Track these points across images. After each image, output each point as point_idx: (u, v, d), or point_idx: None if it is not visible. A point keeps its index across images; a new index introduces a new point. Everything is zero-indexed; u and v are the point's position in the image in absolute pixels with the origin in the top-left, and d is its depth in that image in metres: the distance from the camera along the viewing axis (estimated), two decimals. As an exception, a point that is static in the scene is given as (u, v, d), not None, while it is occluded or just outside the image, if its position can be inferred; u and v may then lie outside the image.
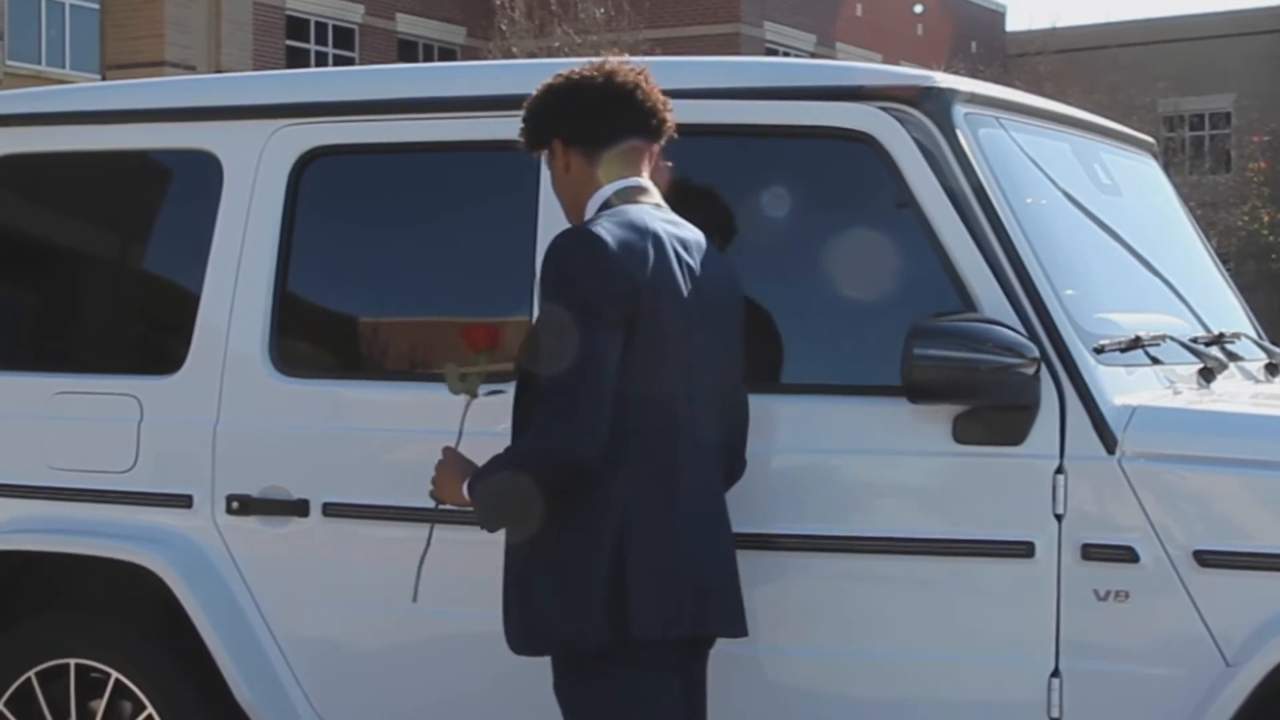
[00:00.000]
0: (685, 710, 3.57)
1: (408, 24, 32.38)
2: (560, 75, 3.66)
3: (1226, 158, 37.76)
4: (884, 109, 3.93)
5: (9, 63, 25.49)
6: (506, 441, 3.54)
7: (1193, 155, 36.73)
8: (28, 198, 4.85)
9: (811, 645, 3.91)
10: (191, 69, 26.61)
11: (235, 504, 4.34)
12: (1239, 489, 3.68)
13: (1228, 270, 5.18)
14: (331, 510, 4.27)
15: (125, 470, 4.47)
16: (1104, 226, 4.41)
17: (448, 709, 4.23)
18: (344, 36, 31.50)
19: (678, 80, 3.83)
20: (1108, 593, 3.70)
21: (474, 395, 3.72)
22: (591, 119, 3.58)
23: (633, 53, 3.73)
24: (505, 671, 3.73)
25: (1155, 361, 3.98)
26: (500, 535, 3.55)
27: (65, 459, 4.54)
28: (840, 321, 4.01)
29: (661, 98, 3.62)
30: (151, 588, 4.35)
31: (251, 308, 4.39)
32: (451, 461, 3.62)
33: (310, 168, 4.41)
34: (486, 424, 3.83)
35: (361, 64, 29.87)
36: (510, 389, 3.59)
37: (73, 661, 4.51)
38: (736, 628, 3.62)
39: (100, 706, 4.49)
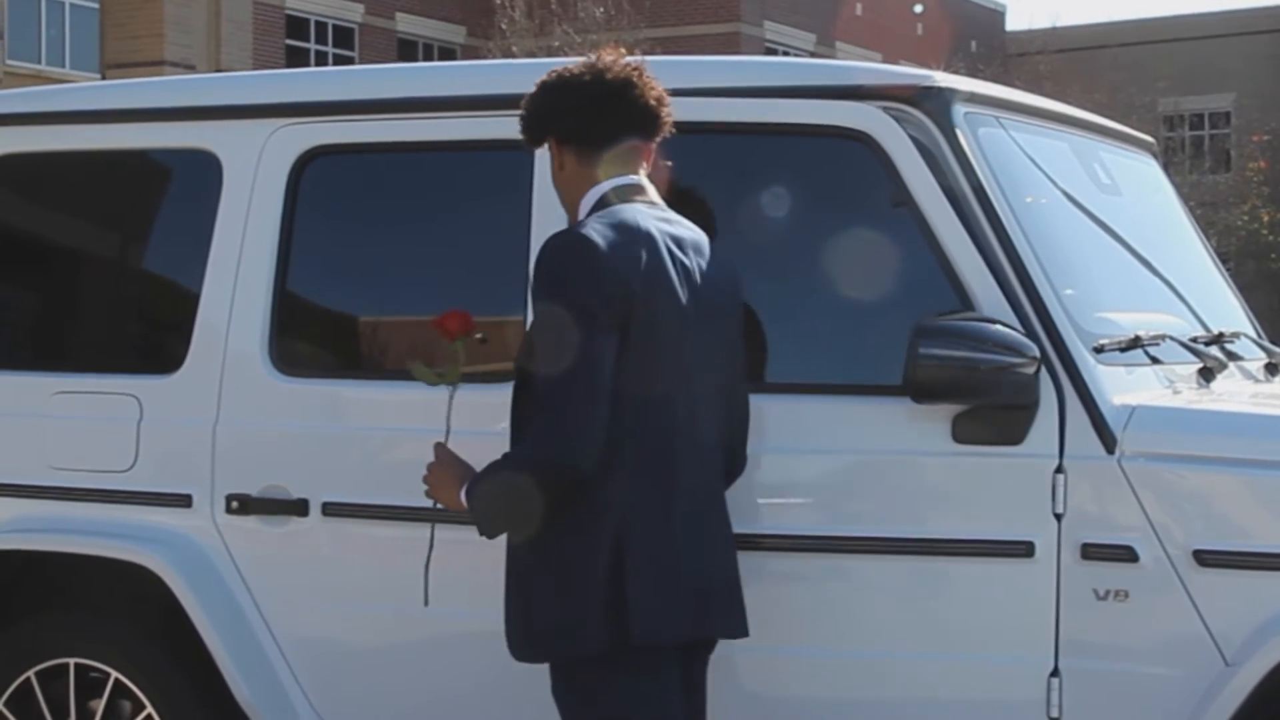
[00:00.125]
0: (685, 712, 3.56)
1: (407, 23, 32.38)
2: (554, 72, 3.64)
3: (1226, 157, 37.76)
4: (883, 108, 3.93)
5: (9, 62, 25.49)
6: (503, 441, 3.54)
7: (1192, 155, 36.74)
8: (27, 197, 4.85)
9: (810, 646, 3.90)
10: (191, 68, 26.62)
11: (235, 503, 4.34)
12: (1238, 489, 3.68)
13: (1227, 270, 5.18)
14: (331, 510, 4.27)
15: (125, 470, 4.47)
16: (1104, 226, 4.41)
17: (447, 708, 4.23)
18: (344, 36, 31.50)
19: (677, 80, 3.83)
20: (1107, 592, 3.70)
21: (456, 385, 3.71)
22: (582, 119, 3.56)
23: (632, 52, 3.70)
24: (504, 670, 3.72)
25: (1155, 361, 3.98)
26: (498, 536, 3.55)
27: (65, 458, 4.54)
28: (838, 321, 4.01)
29: (658, 94, 3.60)
30: (151, 587, 4.35)
31: (251, 307, 4.39)
32: (446, 464, 3.61)
33: (310, 167, 4.41)
34: (486, 424, 3.83)
35: (361, 63, 29.86)
36: (489, 388, 3.58)
37: (72, 661, 4.51)
38: (737, 629, 3.61)
39: (100, 706, 4.49)
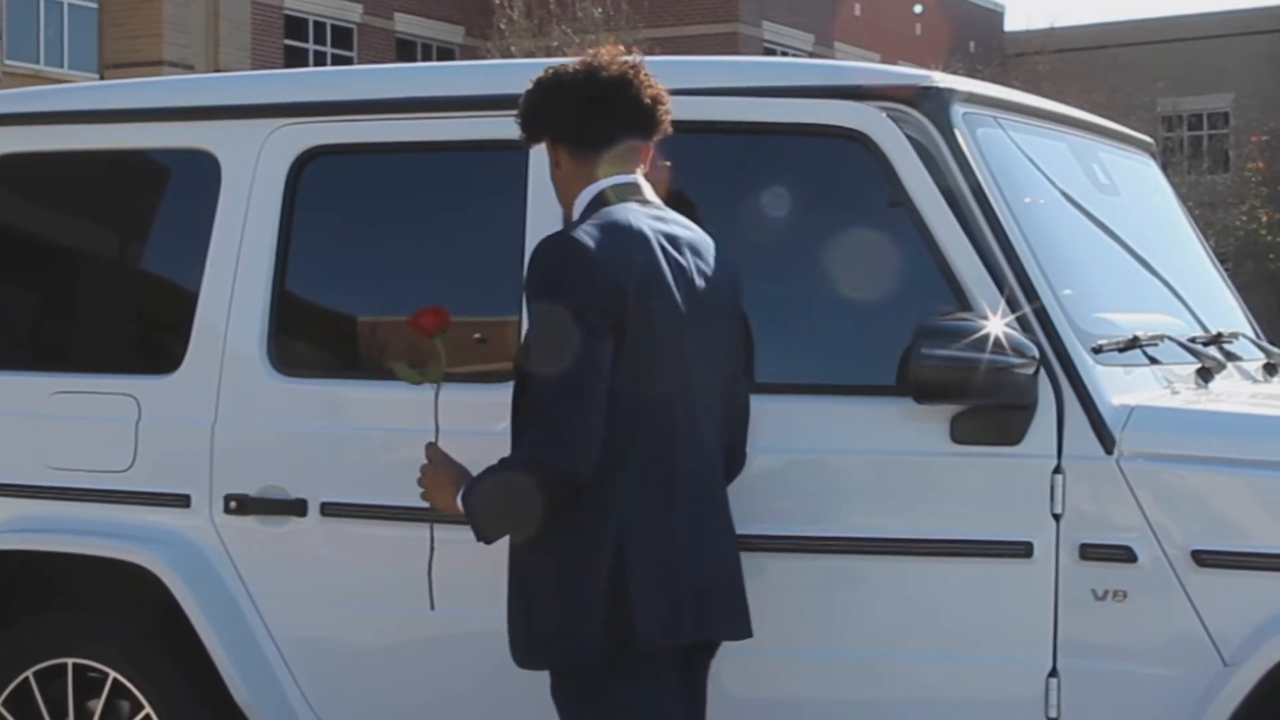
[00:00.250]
0: (685, 714, 3.54)
1: (406, 23, 32.38)
2: (550, 70, 3.61)
3: (1225, 157, 37.76)
4: (881, 108, 3.93)
5: (7, 62, 25.48)
6: (502, 441, 3.53)
7: (1191, 155, 36.74)
8: (26, 197, 4.85)
9: (809, 647, 3.90)
10: (190, 68, 26.61)
11: (233, 503, 4.34)
12: (1237, 489, 3.68)
13: (1226, 270, 5.18)
14: (329, 510, 4.27)
15: (123, 470, 4.47)
16: (1102, 226, 4.41)
17: (446, 708, 4.23)
18: (342, 36, 31.49)
19: (675, 80, 3.82)
20: (1106, 592, 3.70)
21: (439, 383, 3.70)
22: (576, 118, 3.53)
23: (630, 51, 3.68)
24: (503, 670, 3.72)
25: (1153, 361, 3.98)
26: (495, 541, 3.54)
27: (63, 458, 4.54)
28: (836, 321, 4.01)
29: (654, 93, 3.56)
30: (150, 587, 4.35)
31: (250, 307, 4.39)
32: (440, 466, 3.60)
33: (308, 167, 4.41)
34: (485, 424, 3.83)
35: (360, 63, 29.86)
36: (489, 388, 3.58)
37: (71, 661, 4.51)
38: (740, 630, 3.59)
39: (98, 706, 4.49)
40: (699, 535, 3.49)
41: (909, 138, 3.91)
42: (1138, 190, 4.81)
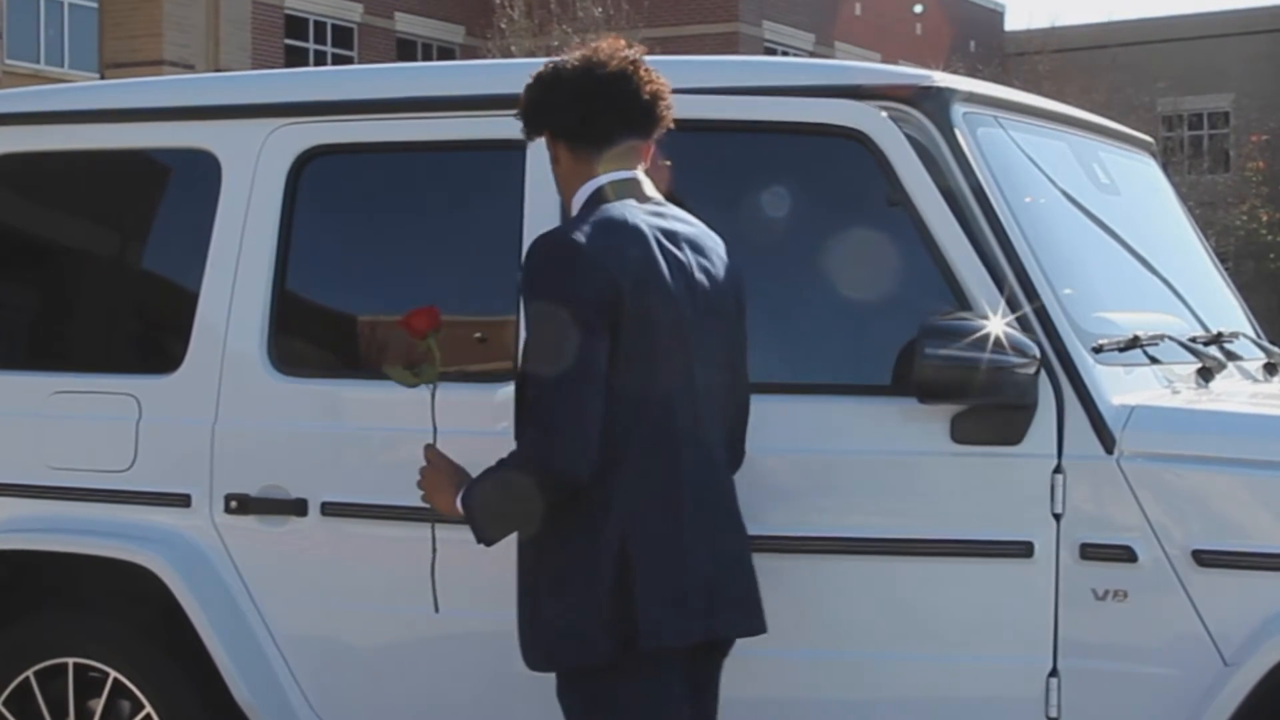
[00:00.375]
0: (693, 715, 3.52)
1: (406, 23, 32.38)
2: (549, 65, 3.58)
3: (1225, 157, 37.77)
4: (881, 108, 3.93)
5: (7, 61, 25.48)
6: (500, 441, 3.53)
7: (1191, 155, 36.73)
8: (26, 197, 4.85)
9: (809, 647, 3.90)
10: (190, 68, 26.60)
11: (234, 503, 4.34)
12: (1237, 489, 3.68)
13: (1226, 270, 5.18)
14: (330, 509, 4.27)
15: (124, 469, 4.47)
16: (1102, 226, 4.41)
17: (446, 708, 4.23)
18: (342, 35, 31.49)
19: (675, 79, 3.81)
20: (1106, 592, 3.70)
21: (435, 383, 3.70)
22: (575, 114, 3.50)
23: (631, 48, 3.66)
24: (505, 670, 3.72)
25: (1154, 361, 3.98)
26: (495, 543, 3.53)
27: (64, 458, 4.54)
28: (835, 321, 4.01)
29: (654, 88, 3.52)
30: (150, 587, 4.35)
31: (250, 307, 4.39)
32: (439, 468, 3.58)
33: (309, 167, 4.41)
34: (484, 424, 3.83)
35: (360, 63, 29.86)
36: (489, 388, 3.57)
37: (71, 660, 4.51)
38: (752, 626, 3.55)
39: (99, 706, 4.49)
40: (706, 533, 3.46)
41: (909, 137, 3.91)
42: (1138, 190, 4.81)
